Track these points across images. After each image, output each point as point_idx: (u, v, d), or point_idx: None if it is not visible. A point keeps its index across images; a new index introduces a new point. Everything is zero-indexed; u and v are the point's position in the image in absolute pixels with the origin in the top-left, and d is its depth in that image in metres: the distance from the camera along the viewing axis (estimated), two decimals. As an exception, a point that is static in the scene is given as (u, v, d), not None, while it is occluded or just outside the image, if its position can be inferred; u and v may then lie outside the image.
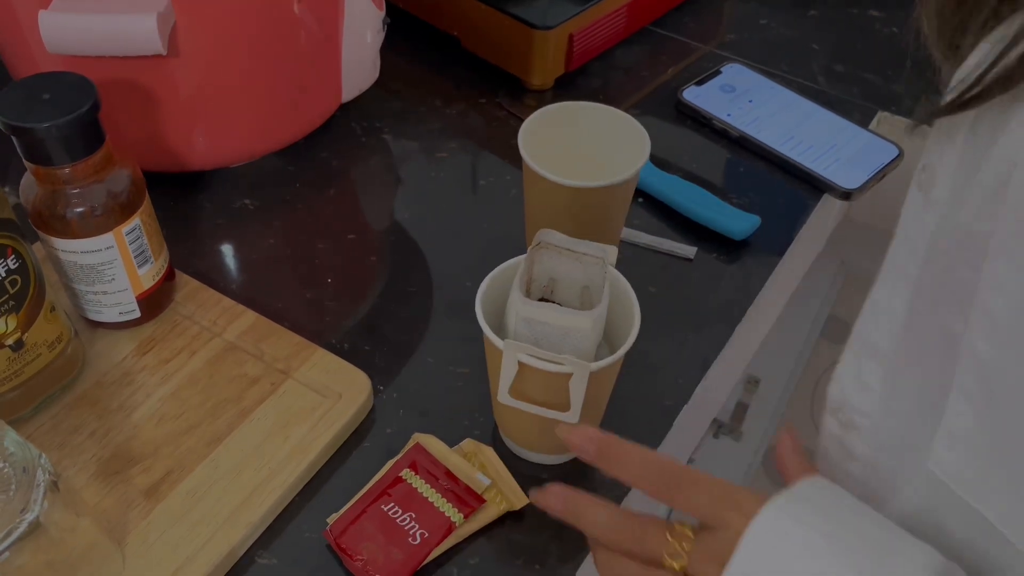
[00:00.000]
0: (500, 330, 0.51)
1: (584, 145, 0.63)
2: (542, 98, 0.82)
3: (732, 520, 0.39)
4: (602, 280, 0.51)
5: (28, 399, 0.54)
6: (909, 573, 0.36)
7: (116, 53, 0.58)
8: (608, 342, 0.54)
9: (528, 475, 0.55)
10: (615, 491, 0.55)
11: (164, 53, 0.58)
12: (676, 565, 0.39)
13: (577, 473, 0.56)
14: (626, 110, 0.66)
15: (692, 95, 0.81)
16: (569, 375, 0.48)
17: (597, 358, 0.49)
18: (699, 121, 0.80)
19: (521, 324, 0.48)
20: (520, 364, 0.48)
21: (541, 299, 0.54)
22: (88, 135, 0.51)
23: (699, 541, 0.40)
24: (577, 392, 0.48)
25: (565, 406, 0.50)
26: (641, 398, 0.60)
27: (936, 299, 0.39)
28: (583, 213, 0.60)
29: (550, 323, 0.48)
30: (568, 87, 0.83)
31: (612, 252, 0.51)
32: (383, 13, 0.73)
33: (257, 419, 0.55)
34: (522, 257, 0.53)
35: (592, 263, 0.51)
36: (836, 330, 1.12)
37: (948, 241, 0.38)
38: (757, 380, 1.32)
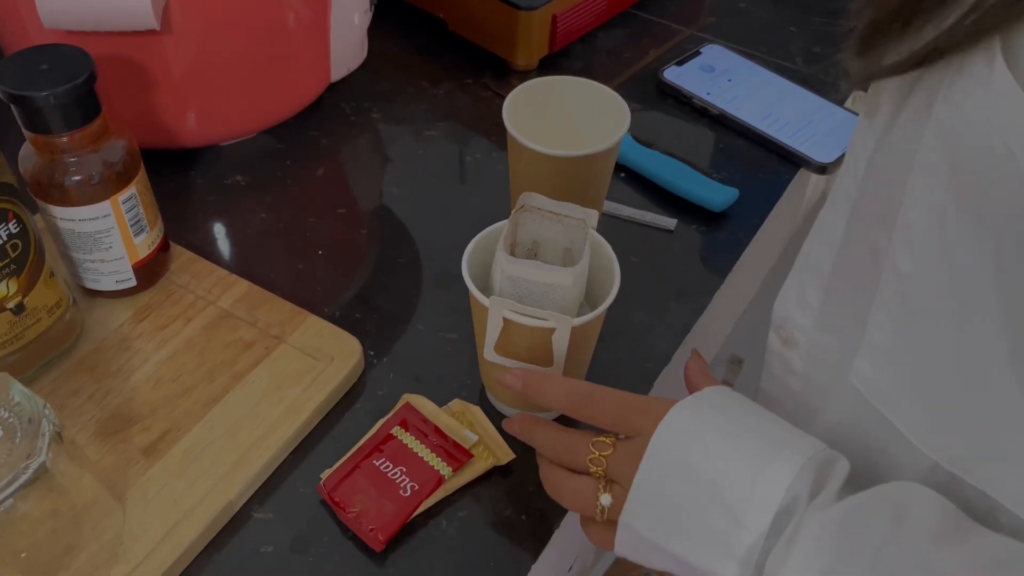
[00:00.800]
0: (486, 292, 0.53)
1: (566, 118, 0.65)
2: (526, 78, 0.83)
3: (643, 425, 0.43)
4: (583, 241, 0.53)
5: (28, 363, 0.55)
6: (794, 458, 0.40)
7: (111, 28, 0.59)
8: (590, 303, 0.56)
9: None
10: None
11: (158, 28, 0.59)
12: (598, 470, 0.45)
13: (562, 431, 0.58)
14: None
15: (673, 75, 0.83)
16: (552, 330, 0.50)
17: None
18: (679, 100, 0.82)
19: (506, 282, 0.50)
20: (505, 320, 0.50)
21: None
22: (85, 104, 0.53)
23: (617, 448, 0.45)
24: (560, 346, 0.50)
25: (548, 361, 0.52)
26: (623, 362, 0.62)
27: (868, 217, 0.42)
28: (565, 182, 0.62)
29: (533, 280, 0.49)
30: (552, 68, 0.85)
31: (593, 215, 0.53)
32: (370, -6, 0.75)
33: (251, 382, 0.57)
34: (507, 220, 0.55)
35: (574, 225, 0.53)
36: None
37: (882, 160, 0.40)
38: (740, 360, 1.35)
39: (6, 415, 0.44)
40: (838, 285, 0.45)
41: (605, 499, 0.45)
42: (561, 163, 0.61)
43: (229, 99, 0.70)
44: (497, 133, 0.79)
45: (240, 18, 0.66)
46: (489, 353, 0.52)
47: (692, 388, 0.49)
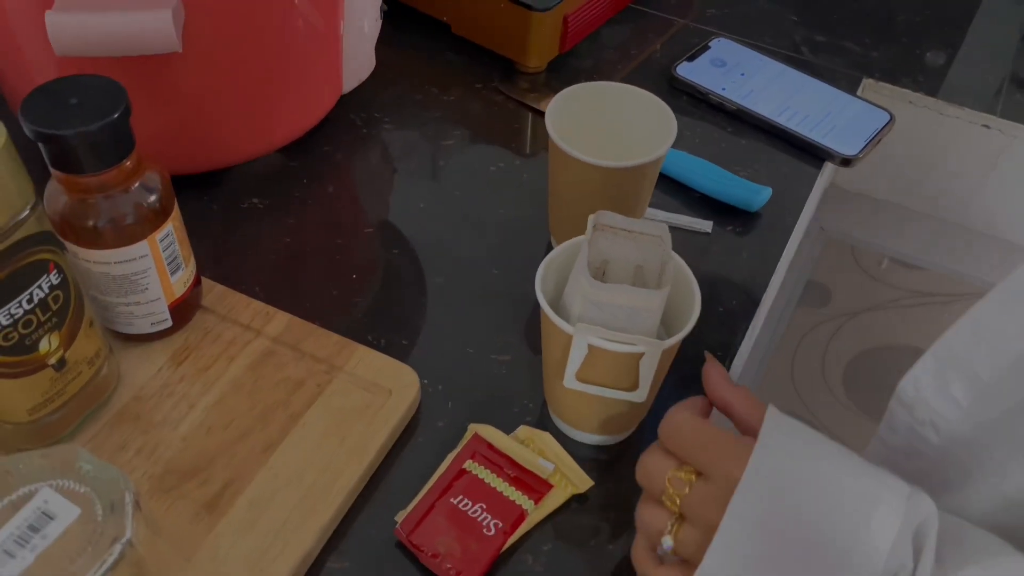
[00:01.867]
0: (557, 314, 0.51)
1: (608, 125, 0.63)
2: (535, 80, 0.82)
3: (724, 467, 0.41)
4: (657, 258, 0.51)
5: (68, 420, 0.51)
6: (896, 503, 0.38)
7: (129, 52, 0.55)
8: (662, 321, 0.54)
9: (586, 457, 0.55)
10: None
11: (180, 50, 0.55)
12: (672, 507, 0.43)
13: (632, 452, 0.56)
14: None
15: (686, 71, 0.82)
16: (641, 354, 0.48)
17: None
18: (694, 96, 0.81)
19: (590, 307, 0.48)
20: (590, 347, 0.48)
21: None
22: (120, 140, 0.49)
23: (695, 488, 0.42)
24: (647, 371, 0.49)
25: (634, 385, 0.50)
26: (680, 370, 0.60)
27: None
28: (612, 193, 0.60)
29: (620, 304, 0.48)
30: (560, 68, 0.83)
31: (665, 231, 0.51)
32: (380, 0, 0.72)
33: (309, 422, 0.54)
34: (576, 241, 0.53)
35: (647, 242, 0.51)
36: (815, 296, 1.15)
37: None
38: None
39: (80, 488, 0.40)
40: (1002, 396, 0.42)
41: (667, 542, 0.43)
42: (609, 174, 0.59)
43: (244, 118, 0.66)
44: (516, 139, 0.76)
45: (251, 33, 0.62)
46: (570, 381, 0.50)
47: (719, 401, 0.47)
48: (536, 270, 0.51)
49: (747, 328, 0.64)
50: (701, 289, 0.51)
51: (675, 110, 0.61)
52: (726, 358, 0.62)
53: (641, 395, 0.50)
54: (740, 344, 0.63)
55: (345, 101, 0.75)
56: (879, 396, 1.33)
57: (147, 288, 0.53)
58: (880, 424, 0.49)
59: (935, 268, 1.05)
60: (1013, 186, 0.88)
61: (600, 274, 0.54)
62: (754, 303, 0.66)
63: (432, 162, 0.74)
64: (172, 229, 0.53)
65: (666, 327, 0.54)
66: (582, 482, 0.53)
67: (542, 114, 0.77)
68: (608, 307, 0.48)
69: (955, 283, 1.03)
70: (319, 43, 0.68)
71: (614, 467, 0.55)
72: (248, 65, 0.63)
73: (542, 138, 0.77)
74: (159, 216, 0.52)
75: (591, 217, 0.51)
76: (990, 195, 0.89)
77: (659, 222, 0.51)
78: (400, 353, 0.59)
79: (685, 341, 0.50)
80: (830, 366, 1.28)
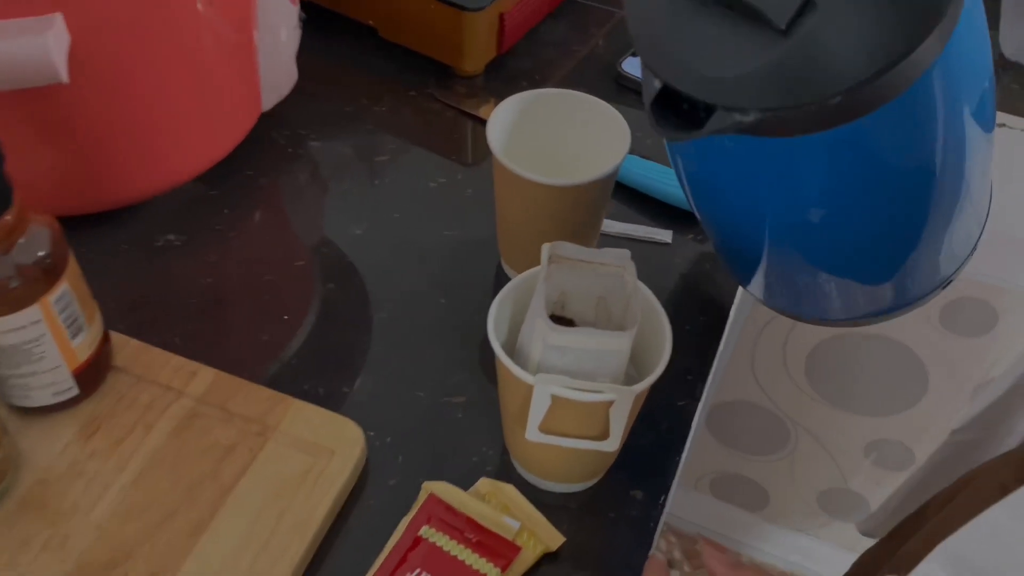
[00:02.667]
0: (512, 356, 0.46)
1: (555, 136, 0.58)
2: (472, 84, 0.76)
3: None
4: (621, 289, 0.46)
5: (-41, 515, 0.45)
6: None
7: (6, 85, 0.48)
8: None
9: (553, 506, 0.50)
10: (644, 511, 0.50)
11: (66, 80, 0.48)
12: None
13: (602, 498, 0.51)
14: (563, 86, 0.62)
15: (632, 67, 0.76)
16: (610, 402, 0.43)
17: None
18: (640, 93, 0.76)
19: (551, 353, 0.43)
20: (553, 397, 0.43)
21: (552, 315, 0.48)
22: (-5, 193, 0.42)
23: None
24: (618, 419, 0.44)
25: (603, 434, 0.45)
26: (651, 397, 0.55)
27: None
28: (565, 213, 0.55)
29: (585, 348, 0.42)
30: (499, 70, 0.77)
31: (627, 258, 0.46)
32: (297, 7, 0.65)
33: (242, 495, 0.48)
34: (530, 274, 0.47)
35: (610, 273, 0.46)
36: (775, 286, 1.11)
37: None
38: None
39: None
40: None
41: None
42: (561, 193, 0.53)
43: (151, 147, 0.59)
44: (457, 150, 0.71)
45: (153, 51, 0.55)
46: (533, 433, 0.45)
47: None
48: (487, 295, 0.46)
49: (717, 349, 0.59)
50: (665, 308, 0.47)
51: (623, 110, 0.56)
52: (697, 382, 0.57)
53: (613, 444, 0.45)
54: (712, 366, 0.59)
55: (266, 119, 0.68)
56: (843, 384, 1.31)
57: (43, 357, 0.47)
58: None
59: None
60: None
61: (559, 307, 0.48)
62: (722, 318, 0.61)
63: (366, 181, 0.67)
64: (68, 288, 0.46)
65: (634, 362, 0.49)
66: (552, 539, 0.48)
67: (482, 121, 0.72)
68: (573, 352, 0.43)
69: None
70: (231, 57, 0.61)
71: (585, 516, 0.50)
72: (150, 89, 0.56)
73: (484, 147, 0.71)
74: (50, 275, 0.45)
75: (545, 248, 0.45)
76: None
77: (620, 250, 0.46)
78: (341, 403, 0.54)
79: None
80: (792, 356, 1.24)
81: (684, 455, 0.54)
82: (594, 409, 0.43)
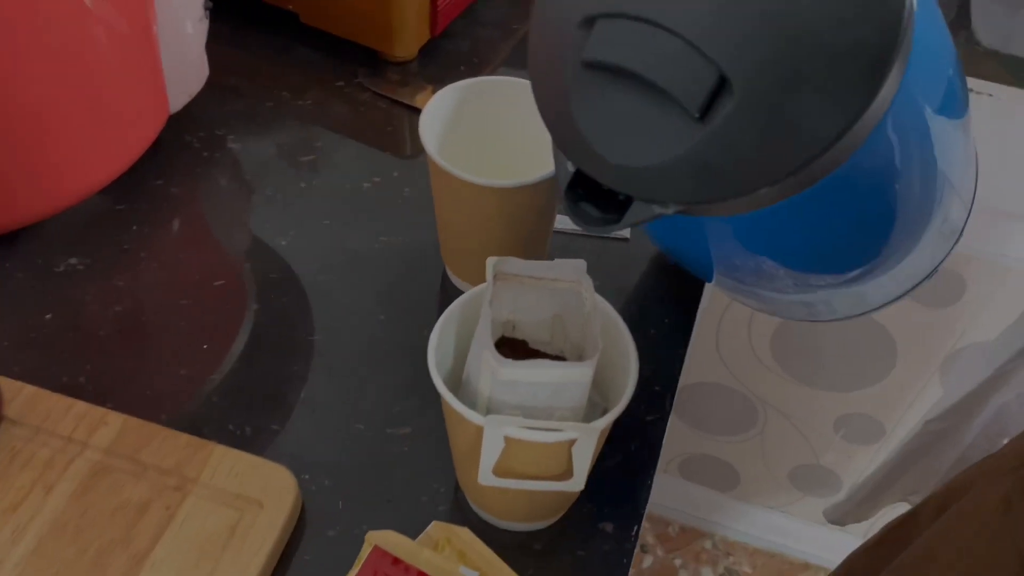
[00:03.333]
0: (451, 380, 0.40)
1: (497, 128, 0.52)
2: (406, 71, 0.70)
3: None
4: (580, 307, 0.41)
5: None
6: None
7: None
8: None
9: (515, 547, 0.45)
10: (616, 545, 0.45)
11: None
12: None
13: (569, 534, 0.46)
14: (504, 71, 0.56)
15: (579, 44, 0.71)
16: (572, 441, 0.37)
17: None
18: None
19: (501, 388, 0.37)
20: (507, 438, 0.37)
21: (501, 338, 0.43)
22: None
23: None
24: (582, 457, 0.38)
25: (565, 474, 0.40)
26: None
27: None
28: (511, 216, 0.50)
29: (540, 382, 0.37)
30: (434, 54, 0.71)
31: (582, 271, 0.40)
32: (203, -5, 0.58)
33: (159, 562, 0.42)
34: (475, 293, 0.42)
35: (565, 289, 0.40)
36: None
37: None
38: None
39: None
40: None
41: None
42: (506, 195, 0.48)
43: (41, 162, 0.52)
44: (392, 144, 0.64)
45: (35, 51, 0.48)
46: (486, 478, 0.39)
47: None
48: (433, 310, 0.41)
49: (685, 352, 0.55)
50: (626, 311, 0.42)
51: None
52: (665, 394, 0.52)
53: (577, 484, 0.40)
54: (680, 371, 0.54)
55: (176, 121, 0.61)
56: (811, 361, 1.28)
57: (-87, 420, 0.40)
58: None
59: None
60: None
61: (510, 328, 0.43)
62: (689, 318, 0.57)
63: (292, 184, 0.61)
64: (-64, 339, 0.40)
65: (596, 385, 0.44)
66: (516, 587, 0.43)
67: (418, 111, 0.65)
68: (526, 386, 0.37)
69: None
70: (128, 55, 0.54)
71: (551, 557, 0.45)
72: (33, 97, 0.49)
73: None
74: (-89, 327, 0.38)
75: (489, 264, 0.40)
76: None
77: (575, 261, 0.40)
78: (271, 444, 0.48)
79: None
80: (757, 335, 1.21)
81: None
82: (554, 449, 0.38)
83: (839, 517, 0.89)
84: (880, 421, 1.21)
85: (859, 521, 0.92)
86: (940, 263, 0.47)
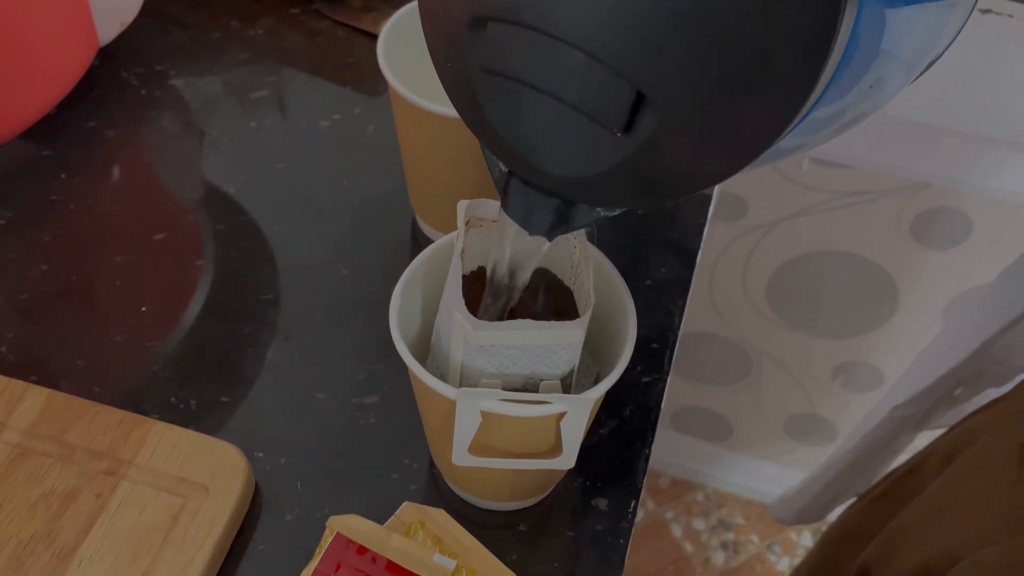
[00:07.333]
0: (419, 345, 0.35)
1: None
2: (370, -3, 0.63)
3: None
4: (568, 256, 0.35)
5: None
6: None
7: None
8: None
9: (497, 528, 0.40)
10: (611, 523, 0.40)
11: None
12: None
13: (558, 513, 0.41)
14: None
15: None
16: (561, 415, 0.32)
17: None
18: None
19: (475, 354, 0.32)
20: (485, 414, 0.32)
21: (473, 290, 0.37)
22: None
23: None
24: (572, 431, 0.33)
25: (553, 450, 0.34)
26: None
27: None
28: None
29: (520, 345, 0.31)
30: (400, -24, 0.64)
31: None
32: (130, -93, 0.51)
33: (89, 558, 0.36)
34: (443, 243, 0.36)
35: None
36: (730, 209, 1.01)
37: None
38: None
39: None
40: None
41: None
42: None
43: (-56, 102, 0.45)
44: (354, 78, 0.58)
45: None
46: (461, 457, 0.34)
47: None
48: (402, 262, 0.35)
49: (685, 302, 0.49)
50: (621, 261, 0.36)
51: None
52: (663, 350, 0.47)
53: (567, 461, 0.34)
54: (680, 325, 0.48)
55: (109, 54, 0.55)
56: (806, 307, 1.23)
57: None
58: None
59: (860, 164, 0.92)
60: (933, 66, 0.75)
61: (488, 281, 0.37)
62: (688, 266, 0.51)
63: (242, 124, 0.55)
64: None
65: (587, 344, 0.39)
66: (501, 575, 0.38)
67: (383, 41, 0.59)
68: (505, 350, 0.32)
69: (882, 178, 0.91)
70: (45, -22, 0.47)
71: (538, 539, 0.40)
72: (-73, 24, 0.42)
73: (387, 74, 0.58)
74: None
75: (461, 208, 0.34)
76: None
77: (562, 203, 0.34)
78: (219, 418, 0.42)
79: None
80: (752, 281, 1.16)
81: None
82: (540, 424, 0.32)
83: (787, 516, 0.84)
84: (879, 368, 1.17)
85: (811, 522, 0.87)
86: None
